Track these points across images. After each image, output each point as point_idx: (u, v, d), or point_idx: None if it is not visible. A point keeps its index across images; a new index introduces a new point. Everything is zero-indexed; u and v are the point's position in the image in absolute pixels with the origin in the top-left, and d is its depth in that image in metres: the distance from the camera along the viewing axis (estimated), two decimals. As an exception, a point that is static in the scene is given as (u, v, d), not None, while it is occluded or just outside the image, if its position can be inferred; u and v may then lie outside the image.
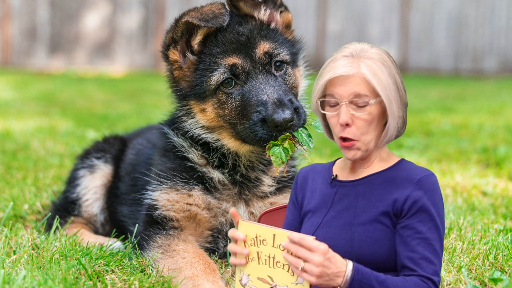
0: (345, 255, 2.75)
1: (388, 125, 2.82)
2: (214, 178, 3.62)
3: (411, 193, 2.77)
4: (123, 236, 3.89)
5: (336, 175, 2.98)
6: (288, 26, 3.71)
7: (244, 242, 2.75)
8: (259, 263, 2.72)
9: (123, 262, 3.47)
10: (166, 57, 3.63)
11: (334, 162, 3.06)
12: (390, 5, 20.90)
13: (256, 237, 2.73)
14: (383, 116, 2.82)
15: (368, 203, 2.83)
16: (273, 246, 2.69)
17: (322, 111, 2.87)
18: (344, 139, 2.81)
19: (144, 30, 20.68)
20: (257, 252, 2.73)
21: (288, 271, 2.66)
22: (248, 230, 2.75)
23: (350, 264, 2.66)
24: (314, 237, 2.66)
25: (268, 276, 2.70)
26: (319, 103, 2.87)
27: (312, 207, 2.98)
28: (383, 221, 2.79)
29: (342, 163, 3.01)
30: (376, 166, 2.91)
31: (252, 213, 3.66)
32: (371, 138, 2.81)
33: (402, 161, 2.91)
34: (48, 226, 4.23)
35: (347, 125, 2.78)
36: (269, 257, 2.70)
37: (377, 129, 2.83)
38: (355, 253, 2.78)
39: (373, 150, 2.86)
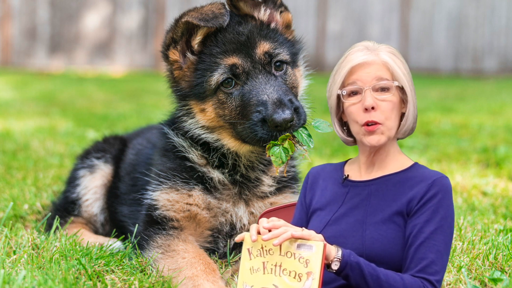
0: (355, 253, 2.76)
1: (408, 112, 2.92)
2: (214, 178, 3.62)
3: (424, 193, 2.81)
4: (123, 236, 3.89)
5: (348, 175, 3.00)
6: (288, 26, 3.71)
7: (250, 253, 2.79)
8: (264, 273, 2.76)
9: (123, 262, 3.47)
10: (166, 57, 3.63)
11: (345, 163, 3.08)
12: (390, 5, 20.88)
13: (262, 248, 2.78)
14: (400, 105, 2.92)
15: (381, 203, 2.86)
16: (280, 254, 2.74)
17: (344, 100, 2.92)
18: (368, 124, 2.87)
19: (144, 30, 20.67)
20: (263, 263, 2.77)
21: (294, 277, 2.70)
22: (255, 242, 2.80)
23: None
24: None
25: (273, 284, 2.73)
26: (341, 92, 2.93)
27: (321, 205, 2.99)
28: (396, 221, 2.82)
29: (355, 163, 3.04)
30: (390, 166, 2.94)
31: (252, 213, 3.65)
32: (394, 125, 2.90)
33: (415, 164, 2.95)
34: (48, 226, 4.23)
35: (373, 108, 2.85)
36: (275, 265, 2.74)
37: (397, 118, 2.92)
38: (366, 251, 2.80)
39: (392, 140, 2.94)
